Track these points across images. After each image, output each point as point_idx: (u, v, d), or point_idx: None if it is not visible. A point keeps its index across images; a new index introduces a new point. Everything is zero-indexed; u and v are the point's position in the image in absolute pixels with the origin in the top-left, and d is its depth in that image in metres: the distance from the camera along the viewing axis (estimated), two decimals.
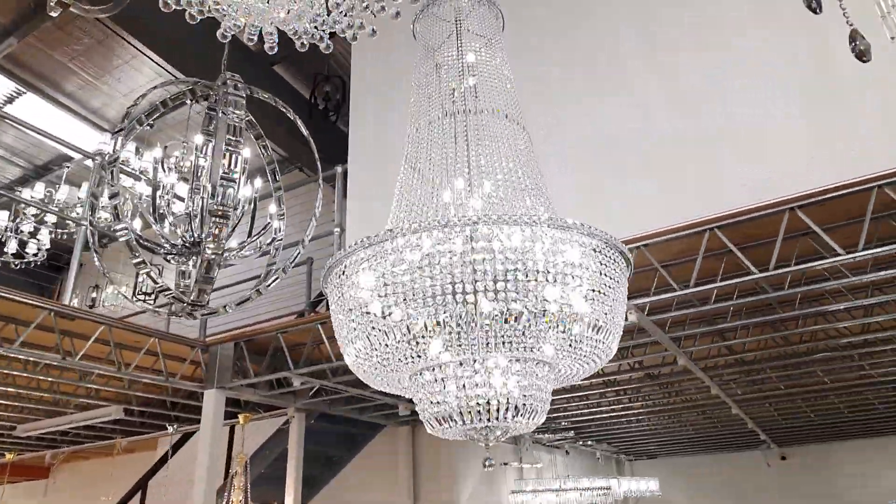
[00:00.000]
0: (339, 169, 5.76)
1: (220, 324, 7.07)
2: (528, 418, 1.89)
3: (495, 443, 1.94)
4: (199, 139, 3.19)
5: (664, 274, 3.95)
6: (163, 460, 8.56)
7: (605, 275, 1.72)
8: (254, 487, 6.42)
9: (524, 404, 1.86)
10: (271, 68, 8.57)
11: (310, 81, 8.68)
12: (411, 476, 8.11)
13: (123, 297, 8.48)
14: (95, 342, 5.03)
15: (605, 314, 1.73)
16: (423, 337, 1.74)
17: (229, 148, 2.42)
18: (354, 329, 1.85)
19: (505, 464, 9.48)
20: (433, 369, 1.90)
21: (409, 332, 1.72)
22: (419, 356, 1.80)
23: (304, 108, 7.95)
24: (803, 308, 4.78)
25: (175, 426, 7.29)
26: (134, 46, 8.35)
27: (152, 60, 8.51)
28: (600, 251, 1.72)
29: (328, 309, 7.76)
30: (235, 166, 2.46)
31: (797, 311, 4.78)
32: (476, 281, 1.64)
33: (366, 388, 6.36)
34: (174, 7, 1.58)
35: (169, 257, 2.87)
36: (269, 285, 3.10)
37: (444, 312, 1.72)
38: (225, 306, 2.83)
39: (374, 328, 1.80)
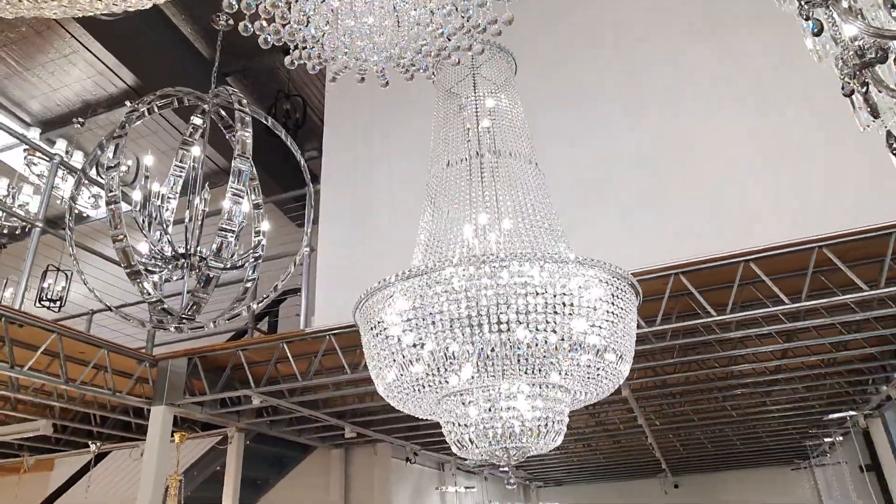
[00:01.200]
0: (310, 189, 5.78)
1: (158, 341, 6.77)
2: (551, 439, 2.15)
3: (516, 461, 2.17)
4: (196, 151, 3.25)
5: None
6: (71, 481, 7.99)
7: (619, 307, 2.02)
8: None
9: (546, 426, 2.13)
10: (224, 78, 8.44)
11: (262, 97, 8.62)
12: (342, 499, 8.05)
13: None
14: (28, 350, 4.71)
15: (622, 343, 2.03)
16: (454, 363, 1.96)
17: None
18: (389, 356, 2.04)
19: (437, 489, 9.61)
20: (463, 394, 2.12)
21: (445, 358, 1.94)
22: (448, 381, 2.02)
23: (258, 125, 7.82)
24: (732, 349, 5.38)
25: (98, 444, 6.86)
26: (78, 41, 7.99)
27: (96, 56, 8.16)
28: (612, 284, 2.02)
29: (269, 329, 7.61)
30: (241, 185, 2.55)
31: (729, 352, 5.38)
32: (508, 311, 1.89)
33: (316, 408, 6.36)
34: (272, 41, 1.73)
35: (154, 268, 2.90)
36: (260, 302, 3.19)
37: (478, 339, 1.96)
38: (215, 321, 2.89)
39: (404, 356, 2.00)
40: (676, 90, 4.69)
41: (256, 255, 3.01)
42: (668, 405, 7.21)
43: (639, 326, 4.33)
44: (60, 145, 8.61)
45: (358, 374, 5.07)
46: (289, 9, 1.66)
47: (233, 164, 2.49)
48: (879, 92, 1.15)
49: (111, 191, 2.54)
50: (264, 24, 1.66)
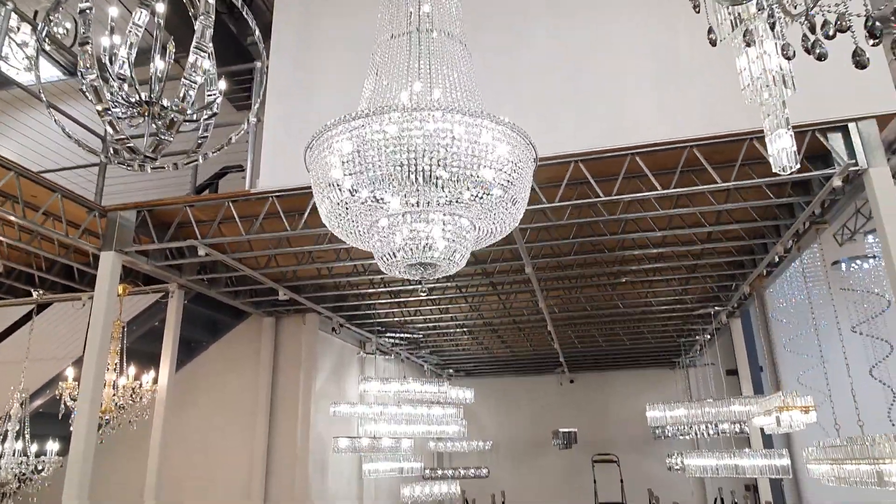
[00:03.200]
0: (258, 64, 6.19)
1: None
2: (457, 259, 2.93)
3: (430, 278, 2.95)
4: (160, 7, 3.71)
5: (536, 190, 5.19)
6: (7, 332, 8.38)
7: (521, 162, 2.78)
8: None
9: (452, 244, 2.91)
10: None
11: None
12: (271, 364, 8.86)
13: None
14: None
15: (518, 190, 2.80)
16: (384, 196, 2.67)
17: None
18: (333, 192, 2.73)
19: (359, 353, 10.61)
20: (388, 218, 2.86)
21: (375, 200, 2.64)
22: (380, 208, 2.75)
23: None
24: (622, 232, 6.38)
25: (40, 292, 7.28)
26: None
27: None
28: (522, 147, 2.76)
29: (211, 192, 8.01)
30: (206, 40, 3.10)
31: (617, 235, 6.38)
32: (431, 154, 2.60)
33: (255, 269, 7.00)
34: None
35: (119, 110, 3.43)
36: (216, 151, 3.78)
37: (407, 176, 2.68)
38: (176, 163, 3.48)
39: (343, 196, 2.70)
40: (593, 7, 5.37)
41: (212, 111, 3.56)
42: (566, 291, 8.32)
43: (540, 202, 5.20)
44: None
45: (297, 231, 5.72)
46: None
47: (197, 22, 3.01)
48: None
49: (85, 33, 3.01)
50: None
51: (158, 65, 3.52)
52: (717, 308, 9.16)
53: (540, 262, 7.01)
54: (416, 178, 2.67)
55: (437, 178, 2.70)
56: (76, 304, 7.55)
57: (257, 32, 3.89)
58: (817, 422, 6.47)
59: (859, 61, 1.62)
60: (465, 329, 10.68)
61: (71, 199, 5.77)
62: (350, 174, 2.67)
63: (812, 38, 1.75)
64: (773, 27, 1.96)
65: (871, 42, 1.60)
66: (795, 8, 1.92)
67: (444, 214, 2.86)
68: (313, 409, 8.83)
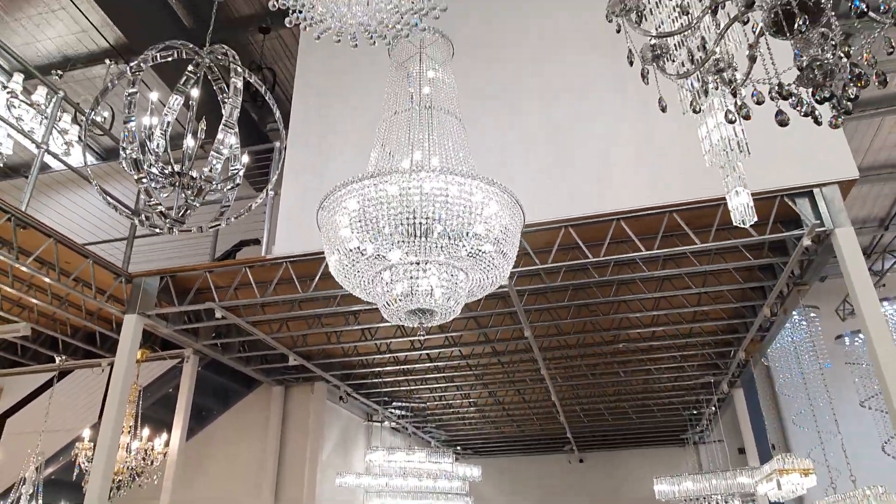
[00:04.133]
0: (277, 144, 6.82)
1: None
2: (453, 305, 3.31)
3: (427, 325, 3.32)
4: (194, 92, 4.29)
5: (531, 254, 5.61)
6: (27, 400, 8.66)
7: (510, 219, 3.20)
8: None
9: (449, 296, 3.29)
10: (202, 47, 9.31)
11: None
12: (279, 432, 9.02)
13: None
14: (23, 254, 5.56)
15: (509, 246, 3.22)
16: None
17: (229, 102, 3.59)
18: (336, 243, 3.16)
19: (366, 422, 10.69)
20: (390, 270, 3.28)
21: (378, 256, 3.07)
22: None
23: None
24: (614, 295, 6.73)
25: (63, 357, 7.64)
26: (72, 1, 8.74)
27: (81, 12, 8.91)
28: (510, 206, 3.20)
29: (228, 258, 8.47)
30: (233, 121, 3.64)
31: (609, 298, 6.72)
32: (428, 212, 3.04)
33: (267, 334, 7.35)
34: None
35: (153, 181, 3.93)
36: (237, 217, 4.26)
37: (407, 231, 3.12)
38: (200, 227, 3.96)
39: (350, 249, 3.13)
40: (578, 88, 6.00)
41: (235, 182, 4.07)
42: (567, 358, 8.55)
43: (534, 264, 5.59)
44: (41, 92, 9.29)
45: (309, 294, 6.13)
46: None
47: (226, 103, 3.57)
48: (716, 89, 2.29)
49: (129, 113, 3.57)
50: None
51: (189, 142, 4.06)
52: (716, 377, 9.30)
53: (539, 325, 7.32)
54: (415, 232, 3.11)
55: (433, 233, 3.13)
56: (95, 370, 7.88)
57: (278, 114, 4.45)
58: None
59: (781, 121, 1.77)
60: (470, 400, 10.81)
61: (102, 266, 6.25)
62: (356, 231, 3.11)
63: (740, 105, 2.04)
64: (732, 93, 2.02)
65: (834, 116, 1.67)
66: (731, 82, 2.22)
67: (441, 266, 3.28)
68: (319, 479, 8.89)
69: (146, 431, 7.00)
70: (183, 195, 3.77)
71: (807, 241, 5.11)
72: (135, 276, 6.56)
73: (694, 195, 5.28)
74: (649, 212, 5.39)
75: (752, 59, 1.74)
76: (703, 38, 2.00)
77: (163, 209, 3.57)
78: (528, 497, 15.22)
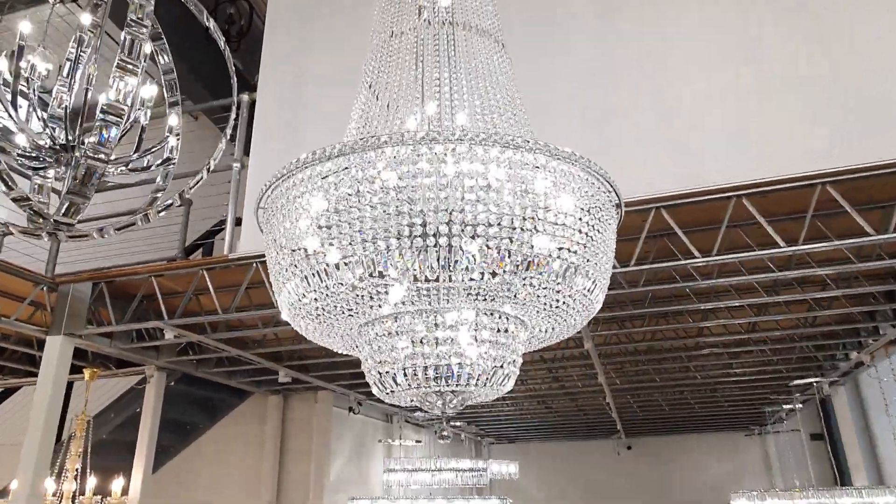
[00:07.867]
0: (244, 97, 4.99)
1: (68, 261, 5.97)
2: (498, 384, 1.54)
3: (454, 412, 1.56)
4: (85, 19, 2.50)
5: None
6: None
7: (596, 218, 1.38)
8: (92, 454, 5.54)
9: (493, 367, 1.50)
10: None
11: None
12: (277, 449, 7.48)
13: None
14: None
15: (597, 267, 1.40)
16: (381, 282, 1.31)
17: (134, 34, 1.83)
18: (292, 267, 1.38)
19: (380, 441, 9.13)
20: (388, 321, 1.48)
21: (367, 273, 1.29)
22: (374, 304, 1.38)
23: (199, 30, 6.89)
24: (708, 301, 4.88)
25: None
26: None
27: None
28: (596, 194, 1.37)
29: (205, 256, 6.82)
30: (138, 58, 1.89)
31: (696, 303, 4.87)
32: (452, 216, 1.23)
33: (244, 348, 5.70)
34: None
35: (27, 161, 2.23)
36: (160, 212, 2.50)
37: (413, 253, 1.31)
38: (101, 229, 2.24)
39: (315, 270, 1.34)
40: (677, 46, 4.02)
41: (167, 157, 2.40)
42: (631, 363, 6.77)
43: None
44: None
45: None
46: None
47: (123, 33, 1.79)
48: None
49: None
50: None
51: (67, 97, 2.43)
52: (816, 380, 7.44)
53: (600, 335, 5.52)
54: (429, 255, 1.30)
55: (462, 255, 1.30)
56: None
57: (232, 68, 2.70)
58: None
59: None
60: (506, 401, 9.15)
61: (7, 272, 4.58)
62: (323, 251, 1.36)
63: None
64: None
65: None
66: None
67: (477, 311, 1.48)
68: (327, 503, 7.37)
69: (93, 480, 5.46)
70: (68, 181, 2.17)
71: None
72: (60, 282, 4.89)
73: (866, 157, 3.36)
74: (790, 185, 3.48)
75: None
76: None
77: (37, 207, 1.99)
78: (569, 488, 13.71)
